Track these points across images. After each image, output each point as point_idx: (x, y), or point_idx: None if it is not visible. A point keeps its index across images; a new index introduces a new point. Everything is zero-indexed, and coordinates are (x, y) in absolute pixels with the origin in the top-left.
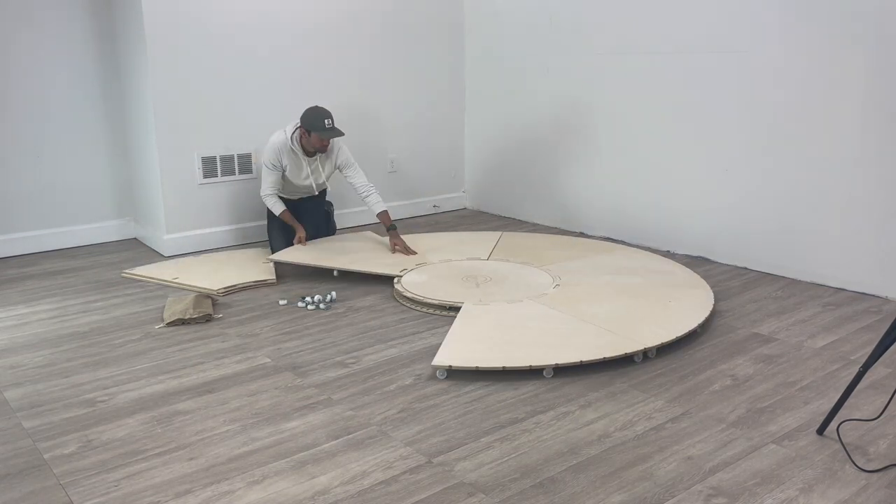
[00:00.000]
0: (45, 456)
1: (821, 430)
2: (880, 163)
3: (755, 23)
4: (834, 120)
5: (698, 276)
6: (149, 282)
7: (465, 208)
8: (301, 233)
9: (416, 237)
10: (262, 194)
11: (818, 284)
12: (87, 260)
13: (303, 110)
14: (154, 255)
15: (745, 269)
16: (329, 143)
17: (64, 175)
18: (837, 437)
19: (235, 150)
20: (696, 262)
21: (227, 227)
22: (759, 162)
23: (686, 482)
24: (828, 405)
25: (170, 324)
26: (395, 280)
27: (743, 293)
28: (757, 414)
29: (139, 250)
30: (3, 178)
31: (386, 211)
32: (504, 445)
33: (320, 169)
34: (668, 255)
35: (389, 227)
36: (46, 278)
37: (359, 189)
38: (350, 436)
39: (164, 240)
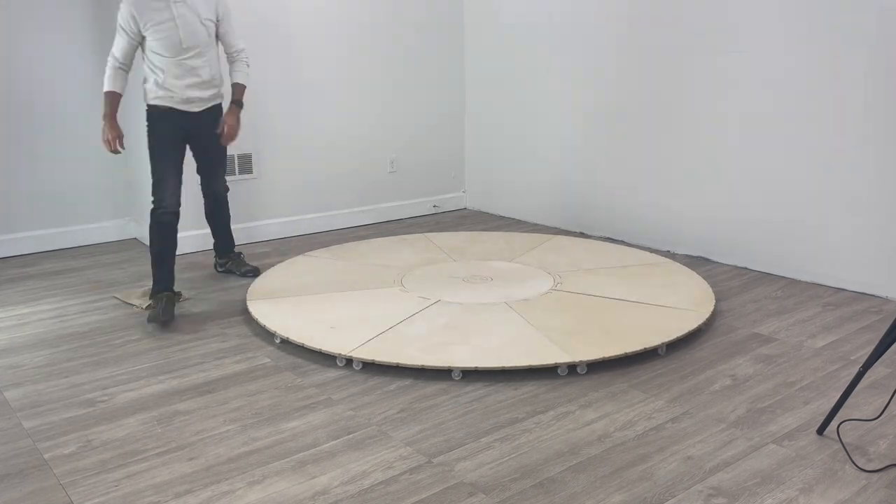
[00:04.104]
0: (45, 456)
1: (821, 430)
2: (880, 163)
3: (755, 23)
4: (834, 120)
5: (700, 278)
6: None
7: (465, 208)
8: (112, 134)
9: (477, 233)
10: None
11: (818, 284)
12: (87, 260)
13: (302, 109)
14: None
15: (745, 269)
16: None
17: (64, 175)
18: (837, 437)
19: (235, 149)
20: (696, 262)
21: None
22: (759, 162)
23: (686, 482)
24: (828, 405)
25: (148, 307)
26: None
27: (743, 293)
28: (757, 414)
29: (139, 250)
30: (3, 177)
31: (243, 85)
32: (504, 445)
33: (191, 11)
34: (668, 255)
35: (235, 101)
36: (46, 278)
37: (229, 50)
38: (350, 436)
39: None
